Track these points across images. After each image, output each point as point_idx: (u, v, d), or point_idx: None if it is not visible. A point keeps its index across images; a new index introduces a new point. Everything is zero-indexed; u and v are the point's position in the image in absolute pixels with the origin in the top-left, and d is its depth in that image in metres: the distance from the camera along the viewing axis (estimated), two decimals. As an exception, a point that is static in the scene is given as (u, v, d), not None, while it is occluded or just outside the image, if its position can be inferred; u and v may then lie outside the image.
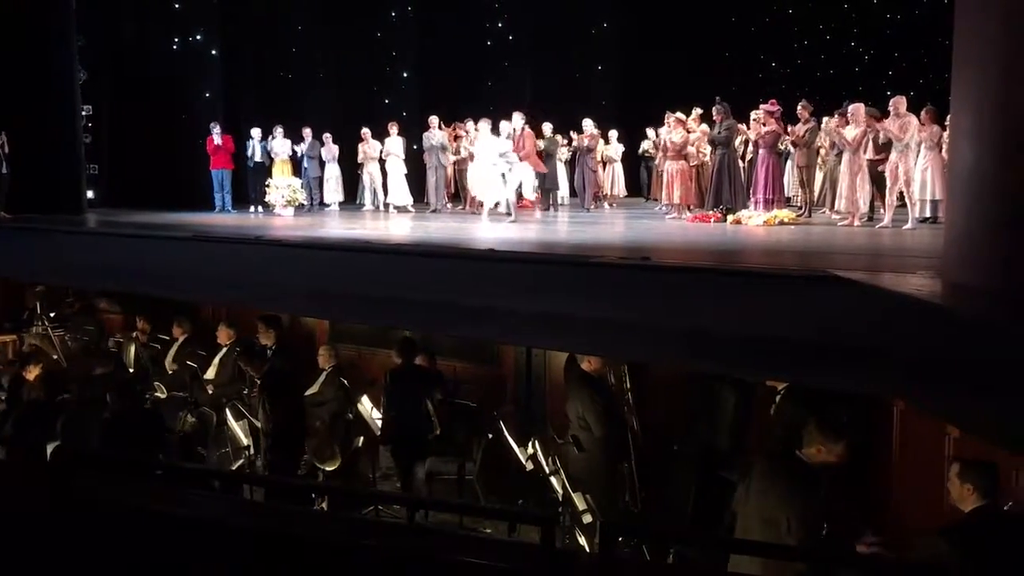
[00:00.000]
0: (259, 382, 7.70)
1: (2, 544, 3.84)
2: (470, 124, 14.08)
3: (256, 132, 14.61)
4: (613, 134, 15.85)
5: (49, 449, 4.99)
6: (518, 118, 12.17)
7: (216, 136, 14.00)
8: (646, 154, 16.39)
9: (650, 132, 15.83)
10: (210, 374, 9.25)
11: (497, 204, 11.61)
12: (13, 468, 5.23)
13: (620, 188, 16.26)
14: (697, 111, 12.94)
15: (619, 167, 16.10)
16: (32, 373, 8.49)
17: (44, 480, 4.11)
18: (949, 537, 4.07)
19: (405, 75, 18.94)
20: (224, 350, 9.36)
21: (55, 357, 10.57)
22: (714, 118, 11.28)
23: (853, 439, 4.58)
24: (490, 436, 7.61)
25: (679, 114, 12.33)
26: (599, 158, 14.98)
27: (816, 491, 4.42)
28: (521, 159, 12.14)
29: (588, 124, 14.22)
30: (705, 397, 7.00)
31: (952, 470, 4.32)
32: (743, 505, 4.72)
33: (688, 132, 12.10)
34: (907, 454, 6.08)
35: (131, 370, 10.08)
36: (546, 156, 14.65)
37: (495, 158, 11.24)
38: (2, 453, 6.91)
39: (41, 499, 3.87)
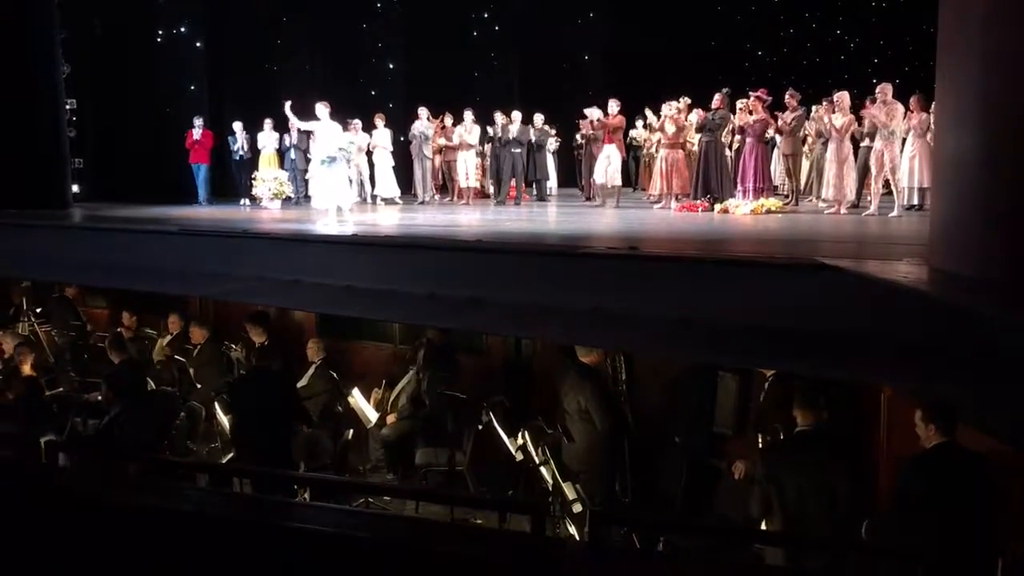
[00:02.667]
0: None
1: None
2: (467, 114, 14.07)
3: (238, 126, 14.56)
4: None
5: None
6: (614, 105, 12.65)
7: (196, 130, 13.98)
8: (633, 142, 16.39)
9: (639, 123, 15.83)
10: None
11: (339, 208, 10.34)
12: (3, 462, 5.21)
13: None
14: (685, 100, 12.96)
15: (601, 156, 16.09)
16: (26, 364, 8.44)
17: (34, 475, 4.09)
18: (915, 466, 4.66)
19: (391, 66, 18.90)
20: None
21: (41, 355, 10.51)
22: (714, 104, 11.28)
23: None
24: (480, 427, 7.62)
25: (672, 112, 12.36)
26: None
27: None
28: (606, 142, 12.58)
29: (596, 113, 14.25)
30: (705, 384, 7.03)
31: (917, 415, 4.71)
32: (783, 489, 4.83)
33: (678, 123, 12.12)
34: (894, 440, 6.11)
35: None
36: (536, 147, 14.72)
37: (333, 151, 10.22)
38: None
39: (31, 494, 3.86)
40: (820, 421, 5.04)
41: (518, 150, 13.42)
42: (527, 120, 14.31)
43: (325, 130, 10.35)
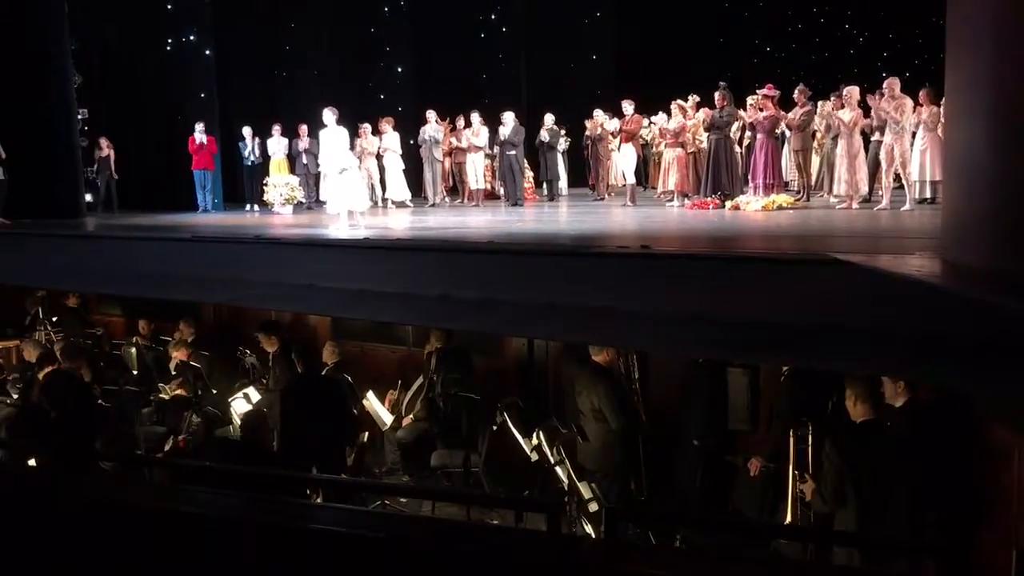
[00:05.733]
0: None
1: (10, 546, 3.86)
2: (474, 116, 14.11)
3: (247, 131, 14.61)
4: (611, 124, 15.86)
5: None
6: (628, 106, 12.84)
7: (200, 135, 14.05)
8: (643, 140, 16.39)
9: (645, 120, 15.84)
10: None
11: (351, 212, 10.30)
12: (19, 469, 5.25)
13: (616, 177, 16.28)
14: (694, 98, 12.96)
15: (616, 156, 16.12)
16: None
17: (51, 480, 4.13)
18: (902, 418, 5.06)
19: (400, 70, 18.95)
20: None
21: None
22: (717, 102, 11.30)
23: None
24: (494, 428, 7.63)
25: (680, 101, 12.38)
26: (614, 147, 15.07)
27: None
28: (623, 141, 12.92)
29: (599, 114, 14.29)
30: (715, 381, 7.03)
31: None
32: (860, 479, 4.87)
33: (686, 119, 12.15)
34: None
35: (135, 372, 10.13)
36: (547, 148, 14.77)
37: (345, 158, 10.28)
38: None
39: (48, 500, 3.89)
40: (879, 414, 5.09)
41: (512, 151, 13.47)
42: (527, 121, 14.38)
43: (334, 136, 10.38)
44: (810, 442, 5.47)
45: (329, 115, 10.46)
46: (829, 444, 5.15)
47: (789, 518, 5.45)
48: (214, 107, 15.68)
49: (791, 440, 5.57)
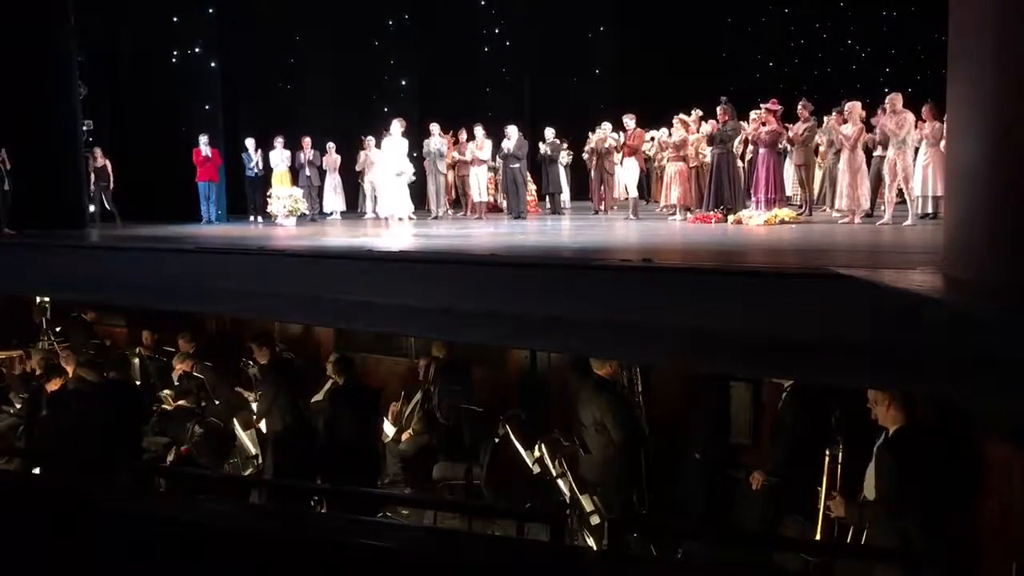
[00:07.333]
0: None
1: (15, 552, 3.87)
2: (478, 129, 14.19)
3: (251, 143, 14.67)
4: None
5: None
6: (630, 120, 12.96)
7: (204, 147, 14.10)
8: (645, 155, 16.43)
9: (647, 135, 15.88)
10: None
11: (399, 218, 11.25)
12: (26, 476, 5.27)
13: (619, 191, 16.32)
14: (697, 112, 13.02)
15: (618, 170, 16.17)
16: (54, 385, 8.52)
17: (57, 487, 4.14)
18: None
19: (404, 83, 19.03)
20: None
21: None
22: (719, 117, 11.34)
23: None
24: (496, 440, 7.63)
25: (683, 115, 12.43)
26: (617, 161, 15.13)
27: None
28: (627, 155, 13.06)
29: (607, 127, 14.37)
30: (718, 396, 7.04)
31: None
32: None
33: (688, 134, 12.19)
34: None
35: (137, 382, 10.13)
36: (549, 161, 14.82)
37: (404, 165, 11.15)
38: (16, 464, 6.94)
39: (54, 506, 3.91)
40: (913, 421, 5.01)
41: (516, 165, 13.55)
42: (530, 134, 14.44)
43: (396, 145, 11.31)
44: (840, 460, 5.41)
45: (397, 125, 11.62)
46: (888, 461, 4.97)
47: (819, 536, 5.40)
48: (219, 119, 15.74)
49: (826, 458, 5.45)
